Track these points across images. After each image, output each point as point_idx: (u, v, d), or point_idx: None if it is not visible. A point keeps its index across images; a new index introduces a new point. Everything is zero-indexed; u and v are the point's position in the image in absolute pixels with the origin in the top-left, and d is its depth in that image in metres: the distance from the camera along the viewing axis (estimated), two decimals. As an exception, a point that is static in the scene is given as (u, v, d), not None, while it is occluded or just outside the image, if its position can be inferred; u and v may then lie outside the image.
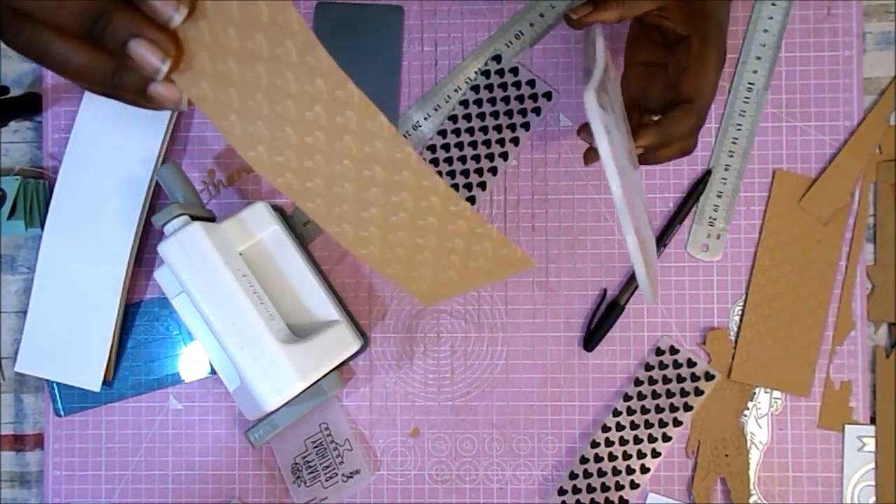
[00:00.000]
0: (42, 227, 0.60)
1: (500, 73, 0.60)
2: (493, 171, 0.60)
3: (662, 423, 0.58)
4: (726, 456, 0.58)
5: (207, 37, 0.30)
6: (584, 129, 0.49)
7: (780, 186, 0.59)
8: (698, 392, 0.58)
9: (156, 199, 0.61)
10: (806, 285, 0.58)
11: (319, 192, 0.33)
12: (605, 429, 0.58)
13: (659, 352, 0.59)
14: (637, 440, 0.58)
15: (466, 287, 0.38)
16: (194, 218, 0.52)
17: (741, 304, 0.58)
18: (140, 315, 0.61)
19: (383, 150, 0.31)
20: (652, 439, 0.58)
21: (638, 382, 0.59)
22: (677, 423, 0.58)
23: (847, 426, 0.58)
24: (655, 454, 0.58)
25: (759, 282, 0.58)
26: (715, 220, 0.59)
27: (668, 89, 0.51)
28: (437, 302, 0.41)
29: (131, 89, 0.32)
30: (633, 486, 0.58)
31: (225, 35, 0.29)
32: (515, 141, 0.60)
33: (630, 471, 0.58)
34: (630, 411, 0.58)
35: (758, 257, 0.58)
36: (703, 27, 0.48)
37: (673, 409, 0.58)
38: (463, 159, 0.60)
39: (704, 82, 0.48)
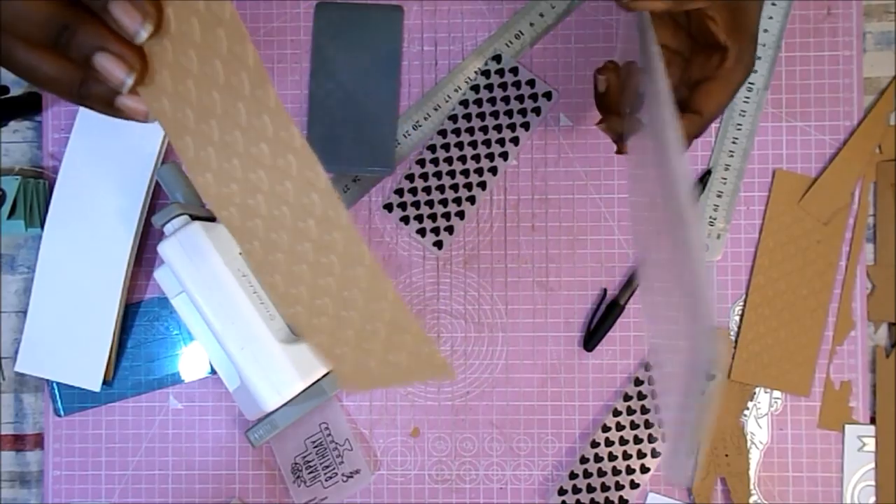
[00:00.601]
0: (42, 227, 0.60)
1: (500, 73, 0.60)
2: (493, 171, 0.60)
3: (663, 424, 0.58)
4: (726, 456, 0.58)
5: (170, 55, 0.30)
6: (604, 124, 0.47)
7: (780, 186, 0.59)
8: (698, 392, 0.58)
9: (156, 199, 0.61)
10: (806, 285, 0.58)
11: (258, 234, 0.32)
12: (605, 429, 0.58)
13: (659, 352, 0.59)
14: (637, 440, 0.58)
15: (386, 383, 0.35)
16: (194, 218, 0.52)
17: (741, 304, 0.59)
18: (140, 315, 0.61)
19: (318, 204, 0.31)
20: (652, 439, 0.58)
21: (638, 382, 0.59)
22: (677, 423, 0.58)
23: (847, 426, 0.58)
24: (655, 454, 0.58)
25: (759, 282, 0.58)
26: (715, 220, 0.59)
27: (681, 85, 0.48)
28: (357, 391, 0.38)
29: (99, 100, 0.32)
30: (633, 486, 0.58)
31: (186, 57, 0.29)
32: (515, 141, 0.60)
33: (630, 471, 0.58)
34: (630, 411, 0.58)
35: (758, 257, 0.58)
36: (743, 43, 0.45)
37: (673, 409, 0.58)
38: (463, 159, 0.60)
39: (721, 100, 0.46)
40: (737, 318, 0.59)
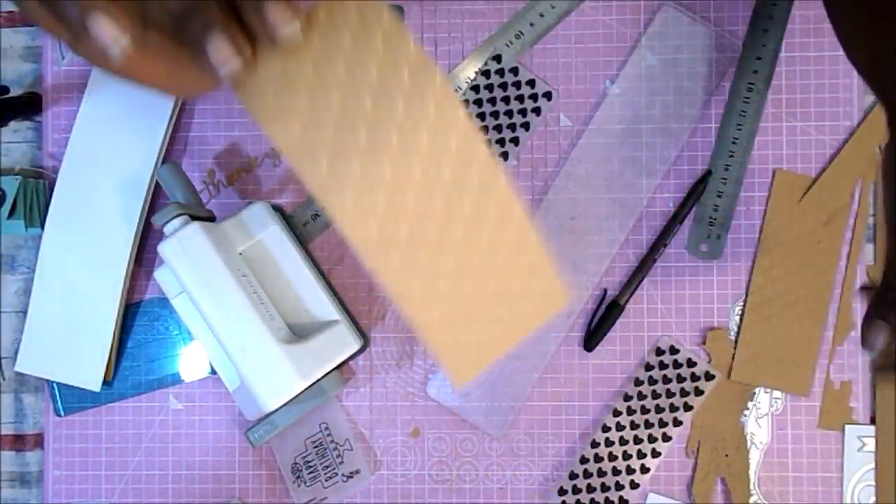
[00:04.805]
0: (42, 227, 0.60)
1: (500, 73, 0.60)
2: (493, 171, 0.60)
3: (662, 423, 0.58)
4: (726, 456, 0.58)
5: (310, 76, 0.27)
6: None
7: (780, 186, 0.59)
8: (698, 392, 0.58)
9: (156, 199, 0.61)
10: (806, 285, 0.58)
11: (398, 241, 0.29)
12: (605, 429, 0.58)
13: (659, 352, 0.59)
14: (637, 440, 0.58)
15: (503, 347, 0.33)
16: (194, 218, 0.52)
17: (741, 304, 0.59)
18: (140, 315, 0.61)
19: (476, 174, 0.29)
20: (652, 439, 0.58)
21: (638, 382, 0.59)
22: (677, 423, 0.58)
23: (847, 426, 0.58)
24: (655, 454, 0.58)
25: (759, 282, 0.58)
26: (715, 220, 0.59)
27: None
28: (469, 379, 0.34)
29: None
30: (633, 486, 0.58)
31: (332, 70, 0.27)
32: (515, 141, 0.60)
33: (630, 471, 0.58)
34: (630, 411, 0.58)
35: (758, 257, 0.58)
36: None
37: (673, 409, 0.58)
38: (463, 159, 0.60)
39: None
40: (737, 318, 0.59)
